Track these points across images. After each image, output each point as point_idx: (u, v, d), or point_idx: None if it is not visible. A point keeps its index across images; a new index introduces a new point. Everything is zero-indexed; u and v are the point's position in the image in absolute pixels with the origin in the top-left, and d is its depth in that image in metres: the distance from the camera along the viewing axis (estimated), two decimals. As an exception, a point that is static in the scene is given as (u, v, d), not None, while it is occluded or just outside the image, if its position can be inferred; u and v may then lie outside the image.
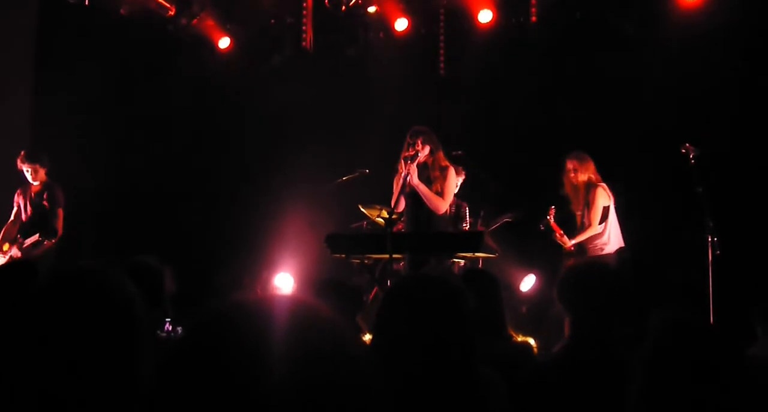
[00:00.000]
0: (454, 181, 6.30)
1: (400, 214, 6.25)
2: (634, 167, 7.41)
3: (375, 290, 6.77)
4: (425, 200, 6.11)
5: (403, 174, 6.05)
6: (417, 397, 2.00)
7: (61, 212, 7.39)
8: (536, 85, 8.37)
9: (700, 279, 6.28)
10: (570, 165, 6.95)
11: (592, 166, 6.93)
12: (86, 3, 8.99)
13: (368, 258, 6.65)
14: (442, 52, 9.15)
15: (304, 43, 9.37)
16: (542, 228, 7.01)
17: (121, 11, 9.18)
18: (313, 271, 7.62)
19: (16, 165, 7.51)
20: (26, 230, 7.34)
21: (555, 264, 6.50)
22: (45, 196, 7.41)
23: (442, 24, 9.12)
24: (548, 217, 6.97)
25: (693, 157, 6.49)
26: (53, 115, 8.88)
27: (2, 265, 6.31)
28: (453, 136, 7.30)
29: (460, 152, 7.11)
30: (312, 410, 0.91)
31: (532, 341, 4.10)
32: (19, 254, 7.10)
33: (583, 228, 6.90)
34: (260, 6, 9.47)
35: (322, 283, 4.39)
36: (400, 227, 6.40)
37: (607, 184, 6.91)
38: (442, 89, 9.08)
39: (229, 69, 9.62)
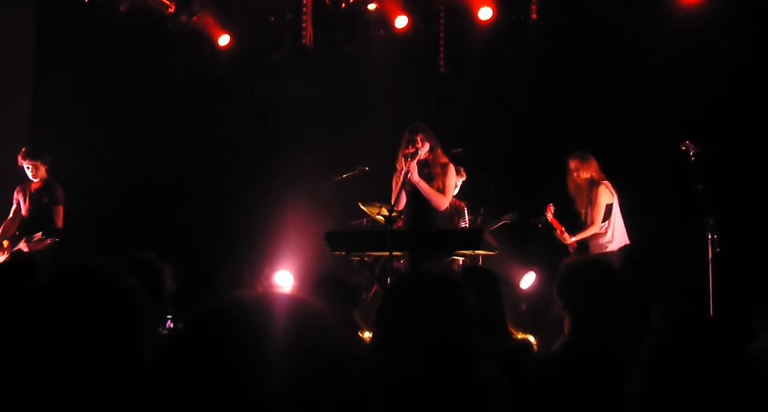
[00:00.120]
0: (455, 177, 6.30)
1: (400, 211, 6.25)
2: (633, 165, 7.40)
3: (375, 287, 6.77)
4: (426, 197, 6.10)
5: (403, 171, 6.05)
6: (417, 394, 2.00)
7: (61, 210, 7.39)
8: (536, 82, 8.37)
9: (700, 277, 6.28)
10: (572, 164, 6.97)
11: (594, 164, 6.94)
12: (86, 0, 8.99)
13: (368, 256, 6.65)
14: (441, 49, 9.14)
15: (304, 41, 9.36)
16: (539, 226, 7.02)
17: (121, 9, 9.17)
18: (313, 268, 7.62)
19: (14, 163, 7.51)
20: (26, 226, 7.33)
21: (555, 262, 6.49)
22: (45, 193, 7.42)
23: (442, 21, 9.12)
24: (546, 214, 6.98)
25: (693, 155, 6.49)
26: (53, 114, 8.88)
27: (2, 262, 6.31)
28: (452, 134, 7.29)
29: (459, 150, 7.12)
30: (311, 408, 0.91)
31: (531, 339, 4.10)
32: (26, 249, 7.10)
33: (586, 226, 6.91)
34: (260, 3, 9.47)
35: (320, 280, 4.39)
36: (399, 224, 6.40)
37: (609, 182, 6.92)
38: (441, 87, 9.07)
39: (229, 66, 9.61)
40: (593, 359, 2.72)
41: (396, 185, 6.16)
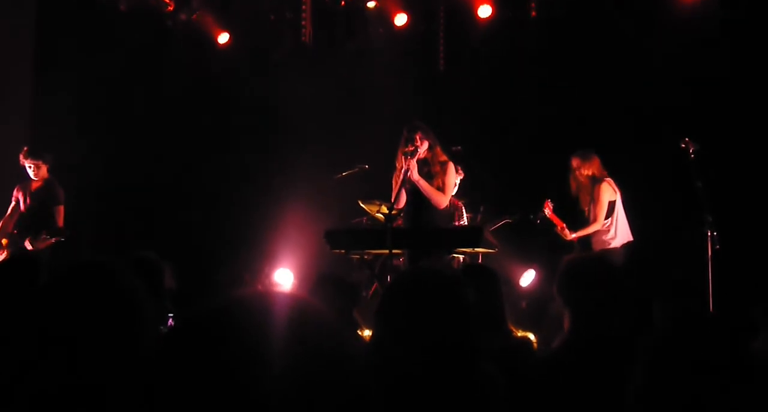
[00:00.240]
0: (454, 175, 6.30)
1: (400, 209, 6.25)
2: (633, 162, 7.40)
3: (375, 285, 6.78)
4: (426, 195, 6.10)
5: (402, 170, 6.05)
6: (417, 392, 2.00)
7: (62, 210, 7.40)
8: (535, 80, 8.37)
9: (700, 274, 6.28)
10: (575, 162, 6.98)
11: (596, 162, 6.95)
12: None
13: (368, 254, 6.66)
14: (441, 47, 9.14)
15: (303, 39, 9.36)
16: (537, 221, 7.03)
17: (121, 7, 9.17)
18: (313, 267, 7.63)
19: (14, 163, 7.51)
20: (25, 225, 7.33)
21: (555, 259, 6.49)
22: (46, 193, 7.42)
23: (441, 19, 9.12)
24: (544, 209, 6.99)
25: (692, 152, 6.49)
26: (53, 114, 8.87)
27: (6, 260, 6.32)
28: (452, 132, 7.30)
29: (458, 148, 7.12)
30: (310, 407, 0.92)
31: (531, 337, 4.11)
32: (30, 248, 7.10)
33: (588, 223, 6.91)
34: (259, 1, 9.47)
35: (319, 278, 4.39)
36: (399, 222, 6.41)
37: (612, 179, 6.92)
38: (441, 84, 9.07)
39: (229, 65, 9.61)
40: (593, 356, 2.72)
41: (396, 184, 6.16)
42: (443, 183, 6.16)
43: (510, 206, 7.76)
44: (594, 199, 6.89)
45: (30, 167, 7.42)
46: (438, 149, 6.24)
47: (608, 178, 6.91)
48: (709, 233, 6.29)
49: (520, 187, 7.92)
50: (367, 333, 3.95)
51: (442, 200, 6.15)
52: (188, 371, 0.94)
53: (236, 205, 9.17)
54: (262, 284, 7.85)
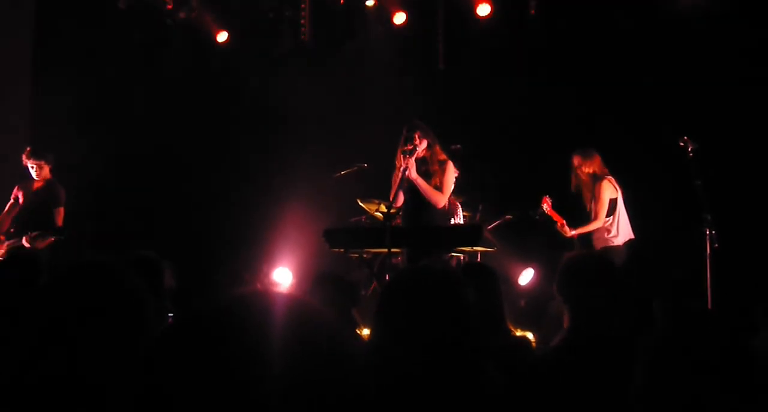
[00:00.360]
0: (453, 175, 6.29)
1: (399, 208, 6.25)
2: (632, 160, 7.41)
3: (374, 284, 6.78)
4: (424, 194, 6.10)
5: (401, 168, 6.05)
6: (417, 390, 2.01)
7: (62, 211, 7.41)
8: (534, 79, 8.37)
9: (699, 272, 6.29)
10: (576, 160, 6.99)
11: (598, 160, 6.96)
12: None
13: (367, 253, 6.66)
14: (440, 46, 9.14)
15: (302, 37, 9.36)
16: (537, 217, 7.02)
17: (120, 5, 9.16)
18: (312, 265, 7.63)
19: (14, 163, 7.51)
20: (24, 225, 7.33)
21: (554, 258, 6.51)
22: (47, 193, 7.43)
23: (440, 17, 9.11)
24: (542, 205, 6.99)
25: (691, 151, 6.50)
26: (52, 114, 8.87)
27: (6, 258, 6.31)
28: (451, 130, 7.30)
29: (457, 146, 7.11)
30: (310, 405, 0.92)
31: (530, 336, 4.11)
32: (27, 245, 7.11)
33: (590, 221, 6.92)
34: (258, 0, 9.46)
35: (318, 277, 4.39)
36: (398, 221, 6.40)
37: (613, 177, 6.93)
38: (440, 83, 9.07)
39: (228, 63, 9.61)
40: (592, 354, 2.72)
41: (395, 183, 6.16)
42: (441, 182, 6.16)
43: (509, 204, 7.77)
44: (595, 196, 6.89)
45: (32, 168, 7.43)
46: (437, 148, 6.24)
47: (609, 177, 6.92)
48: (708, 232, 6.30)
49: (519, 186, 7.92)
50: (366, 332, 3.95)
51: (440, 199, 6.15)
52: (188, 370, 0.94)
53: (235, 204, 9.17)
54: (262, 283, 7.85)
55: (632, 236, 6.96)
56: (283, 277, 8.08)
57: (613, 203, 6.89)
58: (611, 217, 6.89)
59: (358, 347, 1.03)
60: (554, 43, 8.47)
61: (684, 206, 6.72)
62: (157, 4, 9.34)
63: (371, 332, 2.23)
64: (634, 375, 1.85)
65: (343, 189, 7.49)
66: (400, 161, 6.08)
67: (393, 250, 5.97)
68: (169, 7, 9.40)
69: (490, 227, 7.43)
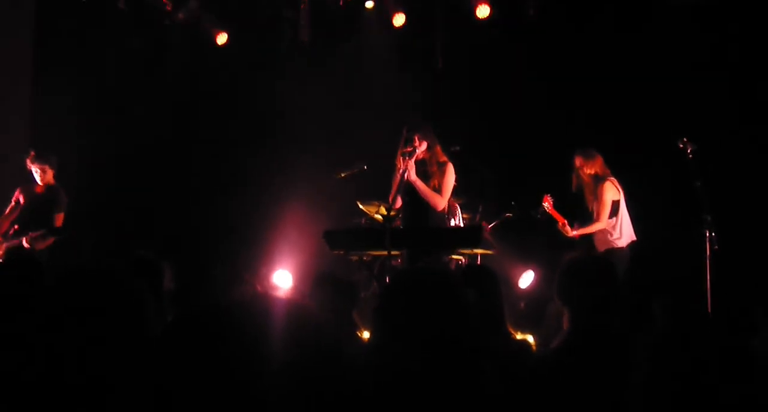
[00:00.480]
0: (453, 177, 6.29)
1: (398, 210, 6.24)
2: (631, 162, 7.41)
3: (374, 286, 6.77)
4: (423, 197, 6.10)
5: (400, 170, 6.05)
6: (416, 389, 2.00)
7: (62, 217, 7.42)
8: (533, 80, 8.37)
9: (699, 273, 6.29)
10: (577, 161, 6.99)
11: (599, 161, 6.95)
12: (84, -1, 9.01)
13: (367, 254, 6.65)
14: (439, 47, 9.15)
15: (302, 38, 9.36)
16: (539, 216, 7.01)
17: (119, 6, 9.18)
18: (312, 267, 7.62)
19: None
20: (24, 226, 7.33)
21: (553, 260, 6.51)
22: (49, 197, 7.43)
23: (439, 18, 9.12)
24: (543, 204, 6.97)
25: (691, 152, 6.50)
26: (52, 114, 8.88)
27: (8, 259, 6.32)
28: (450, 131, 7.30)
29: (457, 148, 7.12)
30: (307, 401, 0.93)
31: (530, 339, 4.11)
32: (27, 246, 7.12)
33: (592, 222, 6.91)
34: (257, 1, 9.47)
35: (319, 277, 4.38)
36: (398, 223, 6.40)
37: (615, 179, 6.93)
38: (439, 84, 9.07)
39: (227, 65, 9.62)
40: (592, 355, 2.72)
41: (394, 184, 6.15)
42: (441, 184, 6.15)
43: (508, 205, 7.76)
44: (597, 198, 6.88)
45: (36, 172, 7.44)
46: (438, 149, 6.23)
47: (611, 178, 6.91)
48: (707, 233, 6.30)
49: (519, 188, 7.92)
50: (366, 335, 3.94)
51: (439, 202, 6.14)
52: (188, 368, 0.95)
53: (235, 205, 9.16)
54: (262, 285, 7.85)
55: (634, 238, 6.96)
56: (282, 279, 8.08)
57: (615, 205, 6.89)
58: (614, 218, 6.88)
59: (355, 347, 1.05)
60: (553, 44, 8.47)
61: (683, 207, 6.72)
62: (156, 5, 9.35)
63: (370, 331, 2.23)
64: (634, 376, 1.85)
65: (343, 190, 7.49)
66: (400, 163, 6.08)
67: (393, 252, 5.96)
68: (169, 8, 9.41)
69: (490, 226, 7.42)
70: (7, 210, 7.51)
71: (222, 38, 9.63)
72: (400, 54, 9.20)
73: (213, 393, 0.93)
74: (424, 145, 6.13)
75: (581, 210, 7.06)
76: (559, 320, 3.04)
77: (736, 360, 1.82)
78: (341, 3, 9.07)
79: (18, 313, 1.80)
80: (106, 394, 1.51)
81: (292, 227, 8.25)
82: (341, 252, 6.48)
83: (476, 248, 6.24)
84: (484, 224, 7.35)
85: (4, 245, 7.26)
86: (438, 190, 6.13)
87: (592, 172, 6.94)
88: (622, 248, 6.86)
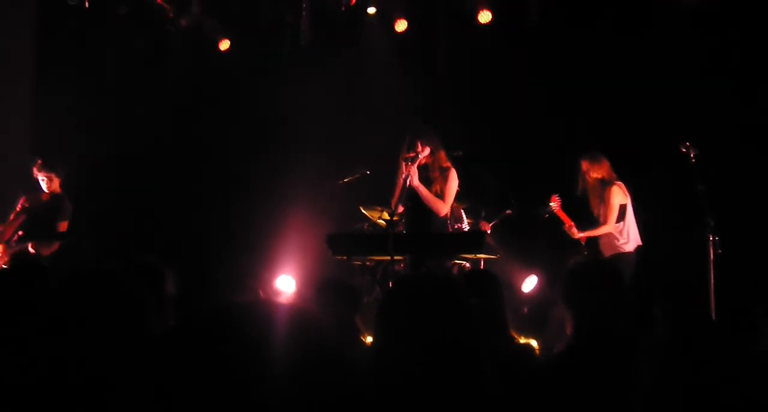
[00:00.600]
0: (456, 182, 6.28)
1: (401, 215, 6.24)
2: (634, 166, 7.40)
3: (377, 291, 6.76)
4: (425, 202, 6.10)
5: (403, 175, 6.05)
6: (418, 393, 2.00)
7: (66, 225, 7.44)
8: (535, 84, 8.37)
9: (702, 277, 6.28)
10: (584, 165, 6.98)
11: (606, 165, 6.94)
12: (86, 5, 9.01)
13: (370, 260, 6.65)
14: (441, 51, 9.16)
15: (303, 43, 9.38)
16: (546, 216, 6.98)
17: (121, 12, 9.20)
18: (315, 272, 7.62)
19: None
20: (28, 232, 7.34)
21: (557, 264, 6.50)
22: (54, 205, 7.45)
23: (441, 24, 9.13)
24: (551, 205, 6.93)
25: (693, 156, 6.50)
26: (54, 117, 8.90)
27: (14, 264, 6.34)
28: (452, 137, 7.31)
29: (459, 153, 7.12)
30: (309, 405, 0.93)
31: (534, 343, 4.09)
32: (33, 251, 7.14)
33: (598, 225, 6.88)
34: (259, 6, 9.49)
35: (322, 284, 4.39)
36: (401, 228, 6.40)
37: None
38: (441, 90, 9.08)
39: (229, 70, 9.63)
40: (596, 360, 2.71)
41: (397, 189, 6.16)
42: (442, 190, 6.14)
43: (508, 203, 7.75)
44: (605, 201, 6.86)
45: (43, 180, 7.47)
46: (441, 155, 6.22)
47: (619, 182, 6.90)
48: (710, 237, 6.29)
49: (521, 192, 7.91)
50: (369, 340, 3.94)
51: (442, 208, 6.13)
52: (188, 370, 0.95)
53: (238, 209, 9.17)
54: (264, 290, 7.84)
55: (640, 243, 6.95)
56: (285, 284, 8.07)
57: (623, 209, 6.88)
58: (621, 223, 6.86)
59: (358, 352, 1.05)
60: (555, 49, 8.47)
61: (686, 211, 6.71)
62: (158, 11, 9.37)
63: (373, 335, 2.23)
64: (639, 379, 1.84)
65: (346, 196, 7.50)
66: (403, 168, 6.08)
67: (396, 257, 5.96)
68: (171, 16, 9.44)
69: (491, 225, 7.42)
70: (12, 217, 7.53)
71: (225, 44, 9.65)
72: (402, 59, 9.21)
73: (214, 397, 0.93)
74: (427, 151, 6.13)
75: (585, 214, 7.05)
76: (562, 325, 3.03)
77: (739, 362, 1.81)
78: (343, 8, 9.08)
79: (22, 317, 1.82)
80: (108, 396, 1.52)
81: (294, 232, 8.25)
82: (344, 257, 6.47)
83: (479, 253, 6.23)
84: (483, 223, 7.35)
85: (10, 251, 7.28)
86: (440, 195, 6.13)
87: (599, 176, 6.93)
88: (629, 253, 6.85)
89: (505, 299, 3.76)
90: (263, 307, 1.05)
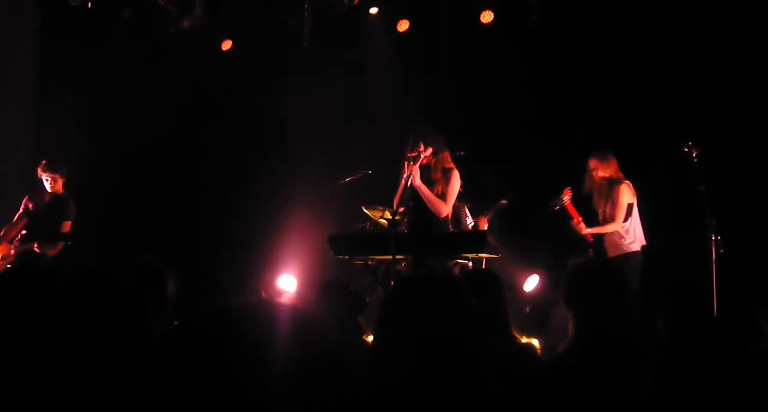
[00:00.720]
0: (458, 183, 6.28)
1: (403, 215, 6.24)
2: (636, 166, 7.40)
3: (379, 291, 6.77)
4: (427, 203, 6.09)
5: (405, 175, 6.05)
6: (418, 392, 2.00)
7: (69, 225, 7.46)
8: (537, 84, 8.37)
9: (704, 277, 6.27)
10: (592, 163, 6.96)
11: (614, 163, 6.94)
12: (89, 5, 9.03)
13: (371, 259, 6.65)
14: (443, 52, 9.16)
15: (306, 45, 9.38)
16: (556, 208, 6.94)
17: (124, 14, 9.22)
18: (317, 272, 7.62)
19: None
20: (33, 232, 7.36)
21: (559, 264, 6.48)
22: (58, 206, 7.46)
23: (443, 24, 9.13)
24: (563, 197, 6.90)
25: (695, 156, 6.49)
26: (56, 118, 8.91)
27: (16, 266, 6.35)
28: (454, 137, 7.31)
29: (461, 153, 7.12)
30: (309, 404, 0.93)
31: (536, 343, 4.09)
32: (38, 251, 7.16)
33: (605, 223, 6.86)
34: (262, 7, 9.50)
35: (324, 284, 4.40)
36: (403, 228, 6.40)
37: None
38: (443, 89, 9.08)
39: (230, 70, 9.64)
40: (598, 360, 2.71)
41: (399, 189, 6.16)
42: (444, 191, 6.14)
43: (511, 209, 7.75)
44: (613, 200, 6.85)
45: (47, 180, 7.49)
46: (445, 155, 6.22)
47: (627, 181, 6.89)
48: (712, 237, 6.28)
49: (521, 193, 7.91)
50: (371, 338, 3.94)
51: (442, 208, 6.12)
52: (188, 369, 0.95)
53: (239, 210, 9.18)
54: (266, 291, 7.85)
55: (644, 242, 6.94)
56: (287, 284, 8.08)
57: (630, 208, 6.87)
58: (627, 222, 6.85)
59: (358, 352, 1.05)
60: (556, 49, 8.47)
61: (688, 211, 6.70)
62: (160, 13, 9.39)
63: (374, 334, 2.24)
64: (641, 379, 1.84)
65: (348, 196, 7.50)
66: (406, 168, 6.08)
67: (397, 256, 5.96)
68: (174, 15, 9.45)
69: (488, 217, 7.41)
70: (15, 217, 7.55)
71: (226, 45, 9.66)
72: (404, 59, 9.21)
73: (214, 397, 0.93)
74: (429, 151, 6.12)
75: (589, 213, 7.03)
76: (564, 325, 3.03)
77: (740, 363, 1.81)
78: (345, 9, 9.08)
79: (23, 317, 1.83)
80: (109, 396, 1.52)
81: (296, 232, 8.25)
82: (346, 257, 6.48)
83: (480, 252, 6.22)
84: (481, 219, 7.35)
85: (16, 251, 7.29)
86: (442, 196, 6.12)
87: (606, 175, 6.91)
88: (636, 252, 6.83)
89: (506, 299, 3.75)
90: (263, 308, 1.05)
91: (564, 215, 6.94)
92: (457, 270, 6.33)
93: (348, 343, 3.50)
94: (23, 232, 7.32)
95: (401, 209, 6.13)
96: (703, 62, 7.61)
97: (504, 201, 7.61)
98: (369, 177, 7.41)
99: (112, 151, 9.08)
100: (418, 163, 6.05)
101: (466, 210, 7.36)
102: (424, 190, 6.07)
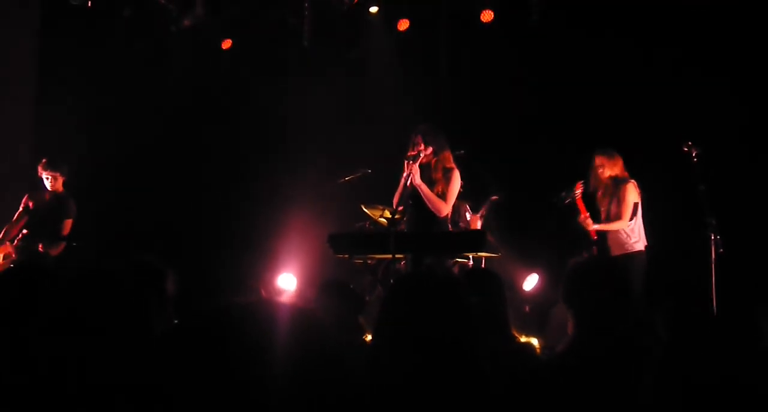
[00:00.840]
0: (458, 183, 6.27)
1: (402, 213, 6.24)
2: (635, 166, 7.40)
3: (378, 290, 6.77)
4: (426, 202, 6.09)
5: (405, 174, 6.05)
6: (418, 391, 2.00)
7: (70, 223, 7.46)
8: (537, 84, 8.37)
9: (704, 276, 6.27)
10: (598, 160, 6.95)
11: (620, 162, 6.93)
12: (89, 5, 9.03)
13: (371, 258, 6.65)
14: (443, 51, 9.16)
15: (306, 44, 9.38)
16: (567, 201, 6.93)
17: (124, 13, 9.22)
18: (316, 271, 7.63)
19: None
20: (35, 231, 7.36)
21: (558, 263, 6.49)
22: (57, 204, 7.47)
23: (443, 23, 9.13)
24: (576, 191, 6.88)
25: (695, 156, 6.49)
26: (56, 117, 8.91)
27: (16, 266, 6.35)
28: (455, 136, 7.31)
29: (461, 152, 7.12)
30: (309, 404, 0.94)
31: (535, 342, 4.10)
32: (42, 251, 7.16)
33: (610, 220, 6.85)
34: (262, 7, 9.50)
35: (324, 284, 4.40)
36: (402, 227, 6.40)
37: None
38: (443, 88, 9.08)
39: (231, 70, 9.64)
40: (597, 360, 2.71)
41: (399, 188, 6.16)
42: (444, 190, 6.13)
43: (511, 209, 7.75)
44: (620, 198, 6.84)
45: (47, 179, 7.49)
46: (446, 155, 6.21)
47: (633, 180, 6.89)
48: (712, 236, 6.28)
49: (521, 192, 7.91)
50: (370, 337, 3.95)
51: (442, 208, 6.12)
52: (188, 369, 0.95)
53: (239, 210, 9.18)
54: (266, 290, 7.85)
55: (646, 242, 6.94)
56: (287, 283, 8.08)
57: (635, 207, 6.86)
58: (632, 221, 6.85)
59: (358, 351, 1.06)
60: (557, 48, 8.47)
61: (688, 210, 6.70)
62: (161, 12, 9.39)
63: (373, 333, 2.24)
64: (642, 379, 1.84)
65: (347, 195, 7.50)
66: (406, 167, 6.07)
67: (397, 255, 5.96)
68: (174, 14, 9.45)
69: (479, 214, 7.41)
70: (16, 216, 7.55)
71: (227, 44, 9.67)
72: (404, 59, 9.21)
73: (214, 397, 0.93)
74: (430, 150, 6.12)
75: (591, 211, 7.03)
76: (564, 324, 3.03)
77: (739, 362, 1.81)
78: (345, 8, 9.09)
79: (24, 316, 1.84)
80: (109, 396, 1.52)
81: (296, 231, 8.26)
82: (345, 256, 6.48)
83: (480, 251, 6.22)
84: (473, 217, 7.35)
85: (18, 250, 7.30)
86: (442, 196, 6.12)
87: (612, 173, 6.90)
88: (640, 252, 6.82)
89: (506, 298, 3.75)
90: (263, 307, 1.05)
91: (571, 209, 6.92)
92: (456, 269, 6.33)
93: (348, 342, 3.50)
94: (24, 231, 7.32)
95: (401, 208, 6.12)
96: (703, 62, 7.61)
97: (494, 197, 7.59)
98: (369, 176, 7.41)
99: (112, 151, 9.07)
100: (418, 162, 6.05)
101: (467, 208, 7.36)
102: (424, 189, 6.07)
